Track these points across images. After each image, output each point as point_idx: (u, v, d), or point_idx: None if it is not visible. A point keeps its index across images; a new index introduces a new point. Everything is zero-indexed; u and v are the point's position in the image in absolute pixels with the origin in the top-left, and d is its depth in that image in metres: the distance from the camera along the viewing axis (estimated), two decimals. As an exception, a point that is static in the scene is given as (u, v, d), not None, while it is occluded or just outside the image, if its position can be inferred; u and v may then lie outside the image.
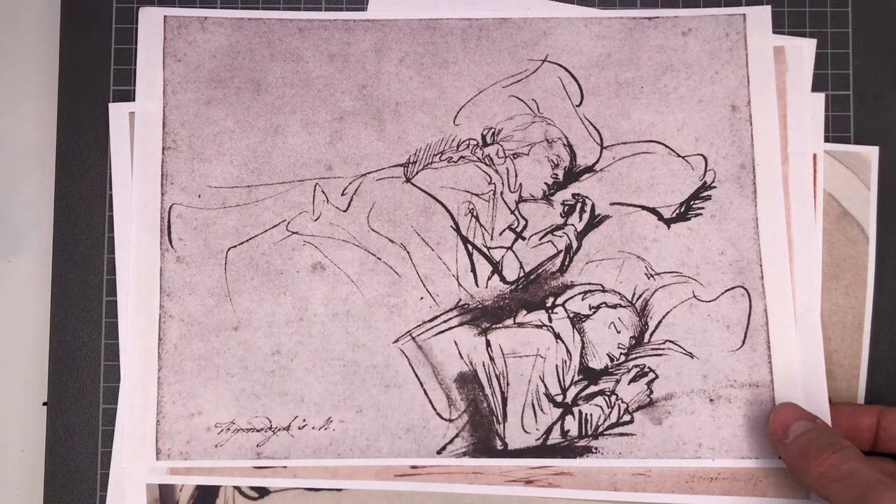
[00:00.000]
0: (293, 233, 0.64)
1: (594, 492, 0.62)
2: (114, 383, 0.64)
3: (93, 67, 0.66)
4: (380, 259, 0.64)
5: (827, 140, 0.65)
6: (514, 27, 0.65)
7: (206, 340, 0.63)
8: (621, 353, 0.63)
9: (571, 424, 0.62)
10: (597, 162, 0.64)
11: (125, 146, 0.65)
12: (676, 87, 0.65)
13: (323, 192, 0.64)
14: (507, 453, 0.62)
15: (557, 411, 0.63)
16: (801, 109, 0.65)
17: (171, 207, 0.64)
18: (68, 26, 0.66)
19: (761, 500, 0.62)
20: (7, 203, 0.67)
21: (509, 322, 0.63)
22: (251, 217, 0.64)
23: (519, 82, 0.65)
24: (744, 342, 0.63)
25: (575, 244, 0.64)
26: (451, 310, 0.63)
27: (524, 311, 0.63)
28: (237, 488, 0.63)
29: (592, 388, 0.63)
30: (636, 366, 0.63)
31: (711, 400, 0.62)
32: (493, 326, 0.63)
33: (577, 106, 0.65)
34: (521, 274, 0.64)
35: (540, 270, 0.64)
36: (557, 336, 0.63)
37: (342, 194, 0.64)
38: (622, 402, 0.63)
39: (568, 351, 0.63)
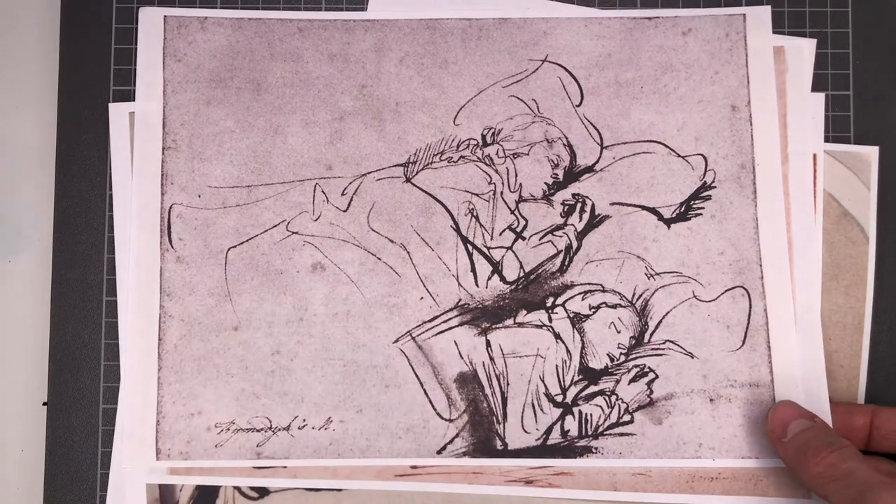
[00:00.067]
0: (293, 233, 0.64)
1: (594, 492, 0.62)
2: (114, 383, 0.64)
3: (93, 67, 0.66)
4: (380, 259, 0.64)
5: (827, 140, 0.65)
6: (514, 27, 0.65)
7: (206, 340, 0.63)
8: (621, 353, 0.63)
9: (571, 424, 0.62)
10: (597, 162, 0.64)
11: (125, 146, 0.65)
12: (676, 87, 0.65)
13: (323, 192, 0.64)
14: (507, 453, 0.62)
15: (557, 411, 0.63)
16: (801, 109, 0.65)
17: (171, 207, 0.64)
18: (68, 26, 0.66)
19: (762, 500, 0.62)
20: (7, 203, 0.67)
21: (509, 322, 0.63)
22: (251, 217, 0.64)
23: (519, 82, 0.65)
24: (744, 342, 0.63)
25: (575, 244, 0.64)
26: (451, 310, 0.63)
27: (524, 311, 0.63)
28: (237, 488, 0.63)
29: (592, 388, 0.63)
30: (636, 366, 0.63)
31: (711, 400, 0.62)
32: (493, 326, 0.63)
33: (577, 106, 0.65)
34: (521, 274, 0.64)
35: (540, 270, 0.64)
36: (557, 336, 0.63)
37: (342, 194, 0.64)
38: (622, 402, 0.63)
39: (568, 351, 0.63)
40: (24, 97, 0.68)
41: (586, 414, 0.63)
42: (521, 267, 0.64)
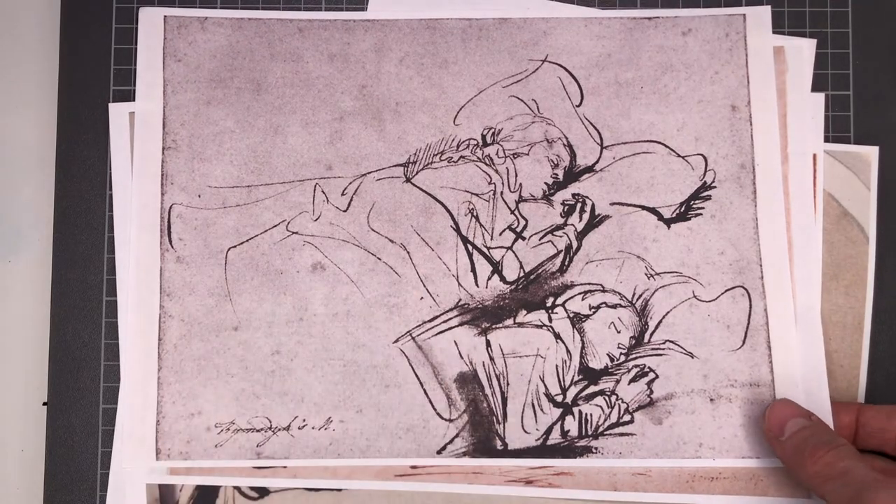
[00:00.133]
0: (293, 233, 0.64)
1: (594, 492, 0.62)
2: (114, 383, 0.64)
3: (93, 67, 0.66)
4: (380, 259, 0.64)
5: (827, 140, 0.65)
6: (514, 27, 0.65)
7: (206, 340, 0.63)
8: (621, 353, 0.63)
9: (571, 424, 0.62)
10: (597, 162, 0.64)
11: (125, 146, 0.65)
12: (676, 87, 0.65)
13: (323, 192, 0.64)
14: (507, 453, 0.62)
15: (557, 411, 0.63)
16: (801, 109, 0.65)
17: (171, 207, 0.64)
18: (68, 26, 0.66)
19: (762, 500, 0.62)
20: (7, 203, 0.67)
21: (509, 322, 0.63)
22: (251, 217, 0.64)
23: (519, 82, 0.65)
24: (744, 342, 0.63)
25: (575, 244, 0.64)
26: (451, 310, 0.63)
27: (524, 311, 0.63)
28: (237, 488, 0.63)
29: (592, 388, 0.63)
30: (636, 366, 0.63)
31: (712, 399, 0.62)
32: (493, 326, 0.63)
33: (577, 106, 0.65)
34: (521, 274, 0.64)
35: (540, 270, 0.64)
36: (557, 336, 0.63)
37: (342, 194, 0.64)
38: (622, 401, 0.63)
39: (568, 351, 0.63)
40: (24, 97, 0.68)
41: (586, 414, 0.63)
42: (521, 267, 0.64)
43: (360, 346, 0.63)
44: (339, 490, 0.63)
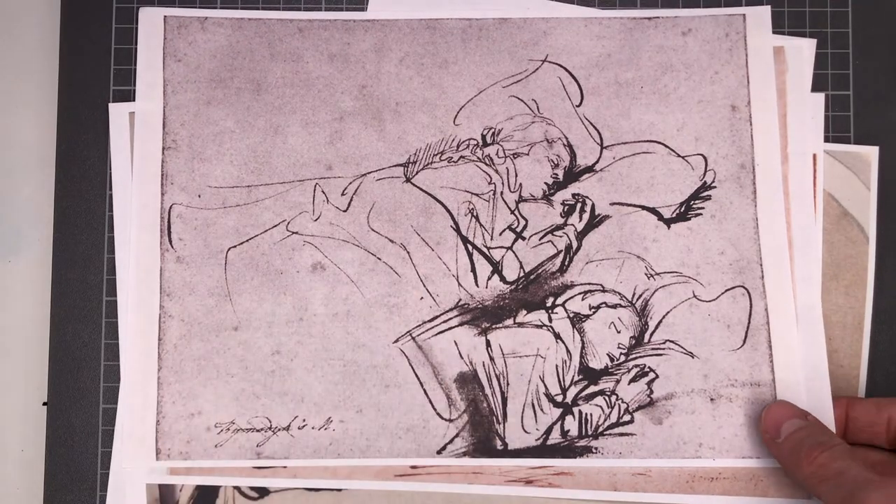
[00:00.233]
0: (293, 233, 0.64)
1: (594, 492, 0.62)
2: (114, 383, 0.64)
3: (93, 67, 0.66)
4: (380, 259, 0.64)
5: (827, 140, 0.65)
6: (514, 27, 0.65)
7: (206, 340, 0.63)
8: (621, 353, 0.63)
9: (571, 424, 0.62)
10: (597, 162, 0.64)
11: (125, 146, 0.65)
12: (676, 87, 0.65)
13: (323, 192, 0.64)
14: (507, 453, 0.62)
15: (557, 411, 0.63)
16: (801, 109, 0.65)
17: (171, 207, 0.64)
18: (68, 26, 0.66)
19: (762, 500, 0.62)
20: (7, 203, 0.67)
21: (509, 322, 0.63)
22: (251, 217, 0.64)
23: (519, 82, 0.65)
24: (744, 341, 0.63)
25: (575, 244, 0.64)
26: (451, 310, 0.63)
27: (524, 311, 0.63)
28: (237, 488, 0.63)
29: (592, 388, 0.63)
30: (636, 366, 0.63)
31: (712, 399, 0.62)
32: (493, 326, 0.63)
33: (577, 106, 0.65)
34: (521, 274, 0.64)
35: (540, 270, 0.64)
36: (557, 336, 0.63)
37: (342, 194, 0.64)
38: (622, 401, 0.63)
39: (568, 351, 0.63)
40: (24, 97, 0.68)
41: (586, 414, 0.63)
42: (521, 267, 0.64)
43: (360, 346, 0.63)
44: (339, 490, 0.63)
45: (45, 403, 0.65)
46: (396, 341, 0.63)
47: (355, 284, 0.63)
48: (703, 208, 0.64)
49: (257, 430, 0.62)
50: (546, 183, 0.64)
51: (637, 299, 0.63)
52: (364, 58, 0.65)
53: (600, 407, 0.63)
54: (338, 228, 0.64)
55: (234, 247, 0.64)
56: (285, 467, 0.62)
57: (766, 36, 0.65)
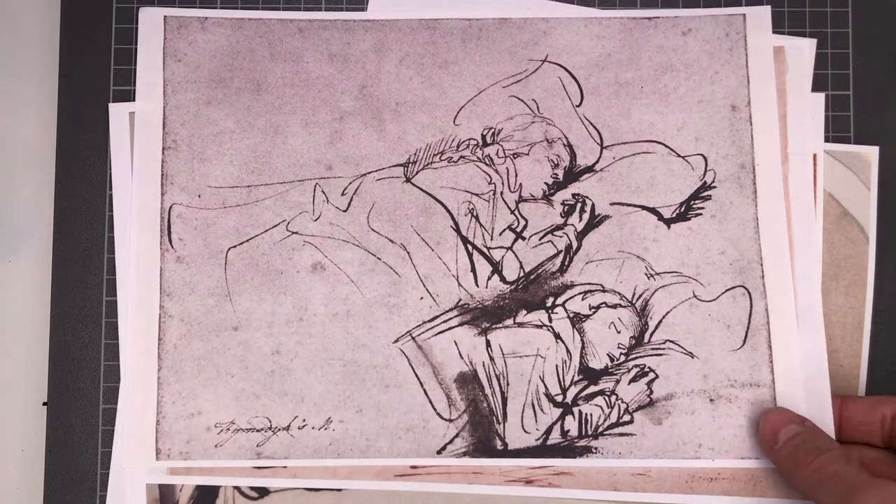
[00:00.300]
0: (293, 233, 0.64)
1: (594, 492, 0.62)
2: (114, 383, 0.64)
3: (93, 67, 0.66)
4: (380, 259, 0.64)
5: (827, 140, 0.65)
6: (514, 27, 0.65)
7: (206, 340, 0.63)
8: (621, 353, 0.63)
9: (571, 424, 0.62)
10: (597, 162, 0.64)
11: (125, 146, 0.65)
12: (676, 87, 0.65)
13: (323, 192, 0.64)
14: (507, 453, 0.62)
15: (557, 411, 0.63)
16: (801, 109, 0.64)
17: (171, 207, 0.64)
18: (68, 26, 0.67)
19: (761, 501, 0.62)
20: (7, 203, 0.67)
21: (509, 322, 0.63)
22: (251, 217, 0.64)
23: (519, 82, 0.65)
24: (744, 342, 0.63)
25: (575, 244, 0.64)
26: (451, 310, 0.63)
27: (524, 311, 0.63)
28: (237, 488, 0.63)
29: (592, 388, 0.63)
30: (636, 366, 0.63)
31: (712, 400, 0.62)
32: (493, 326, 0.63)
33: (577, 106, 0.65)
34: (521, 274, 0.64)
35: (540, 270, 0.64)
36: (557, 336, 0.63)
37: (342, 194, 0.64)
38: (622, 402, 0.63)
39: (568, 351, 0.63)
40: (24, 97, 0.68)
41: (586, 414, 0.63)
42: (521, 267, 0.64)
43: (360, 346, 0.63)
44: (339, 490, 0.63)
45: (45, 403, 0.65)
46: (396, 341, 0.63)
47: (355, 284, 0.63)
48: (703, 208, 0.64)
49: (257, 430, 0.62)
50: (546, 183, 0.64)
51: (637, 299, 0.63)
52: (364, 58, 0.65)
53: (600, 407, 0.63)
54: (338, 228, 0.64)
55: (234, 247, 0.64)
56: (285, 467, 0.62)
57: (767, 36, 0.65)
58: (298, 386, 0.63)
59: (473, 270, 0.64)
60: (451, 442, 0.62)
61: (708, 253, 0.63)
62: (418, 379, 0.63)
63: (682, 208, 0.64)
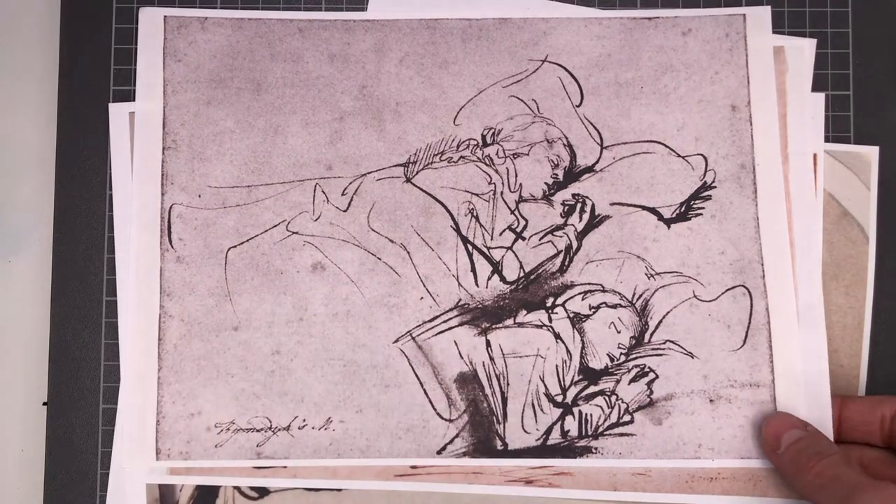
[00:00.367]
0: (293, 233, 0.64)
1: (594, 492, 0.62)
2: (114, 383, 0.64)
3: (93, 67, 0.66)
4: (380, 259, 0.64)
5: (827, 140, 0.65)
6: (514, 27, 0.65)
7: (206, 340, 0.63)
8: (621, 353, 0.63)
9: (571, 424, 0.62)
10: (597, 162, 0.64)
11: (125, 146, 0.65)
12: (676, 87, 0.65)
13: (323, 192, 0.64)
14: (507, 453, 0.62)
15: (557, 411, 0.63)
16: (801, 109, 0.64)
17: (171, 207, 0.64)
18: (68, 26, 0.66)
19: (761, 500, 0.62)
20: (7, 203, 0.67)
21: (509, 322, 0.63)
22: (251, 217, 0.64)
23: (519, 82, 0.65)
24: (745, 342, 0.63)
25: (575, 244, 0.64)
26: (451, 310, 0.63)
27: (524, 311, 0.63)
28: (237, 488, 0.63)
29: (592, 389, 0.63)
30: (636, 366, 0.63)
31: (711, 400, 0.62)
32: (493, 326, 0.63)
33: (577, 106, 0.65)
34: (521, 274, 0.64)
35: (540, 270, 0.64)
36: (557, 336, 0.63)
37: (342, 194, 0.64)
38: (622, 402, 0.63)
39: (568, 351, 0.63)
40: (24, 97, 0.68)
41: (586, 414, 0.63)
42: (521, 267, 0.64)
43: (360, 346, 0.63)
44: (339, 490, 0.63)
45: (45, 403, 0.65)
46: (396, 341, 0.63)
47: (355, 284, 0.63)
48: (703, 208, 0.64)
49: (257, 431, 0.62)
50: (546, 183, 0.64)
51: (637, 299, 0.63)
52: (364, 58, 0.65)
53: (600, 407, 0.63)
54: (338, 228, 0.64)
55: (235, 247, 0.64)
56: (285, 467, 0.62)
57: (767, 36, 0.65)
58: (298, 386, 0.63)
59: (473, 270, 0.64)
60: (451, 442, 0.62)
61: (708, 253, 0.63)
62: (418, 379, 0.63)
63: (683, 208, 0.64)
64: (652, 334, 0.63)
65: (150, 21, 0.66)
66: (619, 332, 0.63)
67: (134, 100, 0.65)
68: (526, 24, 0.65)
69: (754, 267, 0.63)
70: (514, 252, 0.64)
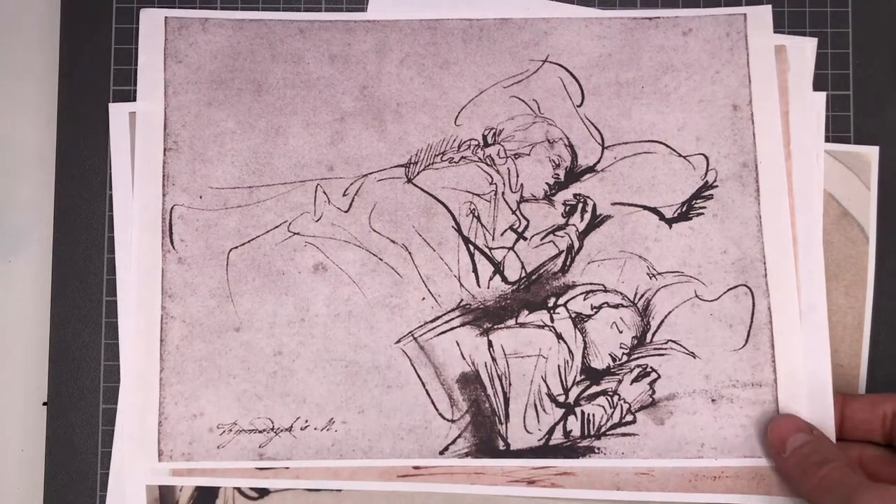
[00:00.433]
0: (295, 233, 0.64)
1: (597, 491, 0.62)
2: (114, 383, 0.64)
3: (93, 67, 0.66)
4: (381, 260, 0.64)
5: (827, 140, 0.65)
6: (515, 27, 0.65)
7: (208, 341, 0.63)
8: (623, 353, 0.63)
9: (574, 425, 0.62)
10: (598, 162, 0.64)
11: (125, 146, 0.65)
12: (677, 86, 0.65)
13: (324, 192, 0.64)
14: (509, 454, 0.62)
15: (560, 411, 0.63)
16: (802, 107, 0.64)
17: (172, 208, 0.64)
18: (68, 26, 0.66)
19: (765, 499, 0.62)
20: (7, 203, 0.67)
21: (511, 322, 0.63)
22: (253, 218, 0.64)
23: (520, 83, 0.65)
24: (747, 341, 0.63)
25: (576, 244, 0.64)
26: (452, 310, 0.63)
27: (526, 312, 0.63)
28: (237, 488, 0.63)
29: (595, 389, 0.63)
30: (638, 366, 0.63)
31: (713, 400, 0.62)
32: (495, 327, 0.63)
33: (578, 106, 0.65)
34: (523, 274, 0.64)
35: (541, 271, 0.64)
36: (559, 336, 0.63)
37: (343, 195, 0.64)
38: (624, 402, 0.63)
39: (570, 351, 0.63)
40: (24, 97, 0.68)
41: (589, 414, 0.63)
42: (523, 267, 0.64)
43: (362, 346, 0.63)
44: (339, 490, 0.63)
45: (45, 403, 0.65)
46: (398, 342, 0.63)
47: (357, 285, 0.63)
48: (704, 207, 0.64)
49: (259, 432, 0.62)
50: (547, 183, 0.64)
51: (639, 299, 0.63)
52: (365, 58, 0.65)
53: (602, 407, 0.63)
54: (339, 229, 0.64)
55: (236, 248, 0.64)
56: (288, 468, 0.62)
57: (768, 35, 0.65)
58: (300, 387, 0.63)
59: (475, 271, 0.64)
60: (453, 442, 0.62)
61: (710, 252, 0.63)
62: (420, 379, 0.63)
63: (684, 208, 0.64)
64: (654, 334, 0.63)
65: (150, 22, 0.66)
66: (620, 332, 0.63)
67: (134, 100, 0.65)
68: (527, 25, 0.65)
69: (756, 266, 0.63)
70: (515, 252, 0.64)
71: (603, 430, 0.62)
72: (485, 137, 0.65)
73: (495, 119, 0.65)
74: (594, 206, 0.64)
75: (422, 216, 0.64)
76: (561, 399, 0.63)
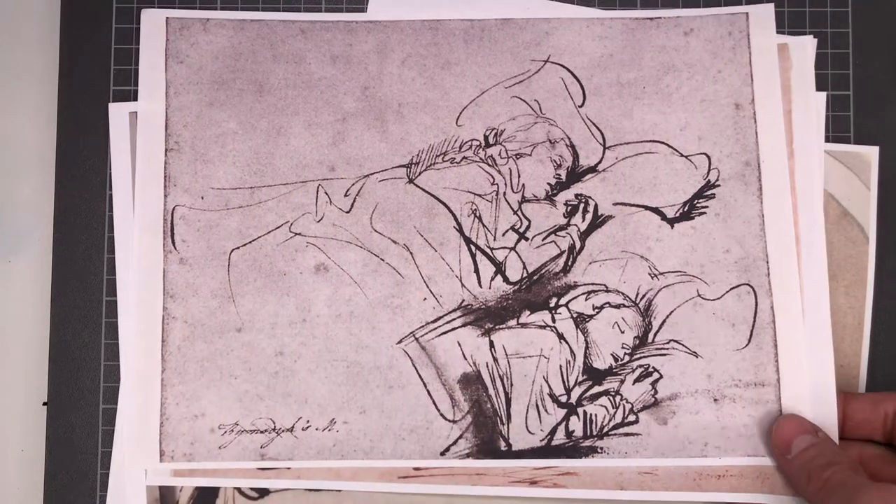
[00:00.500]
0: (296, 234, 0.64)
1: (600, 491, 0.62)
2: (114, 383, 0.64)
3: (93, 67, 0.66)
4: (383, 260, 0.64)
5: (827, 140, 0.65)
6: (516, 28, 0.65)
7: (210, 342, 0.63)
8: (625, 354, 0.63)
9: (576, 425, 0.62)
10: (599, 162, 0.64)
11: (125, 146, 0.65)
12: (679, 86, 0.65)
13: (326, 193, 0.64)
14: (511, 454, 0.62)
15: (562, 412, 0.63)
16: (805, 106, 0.65)
17: (174, 209, 0.64)
18: (68, 26, 0.66)
19: (769, 497, 0.62)
20: (7, 203, 0.67)
21: (513, 322, 0.63)
22: (254, 218, 0.64)
23: (521, 83, 0.65)
24: (749, 340, 0.63)
25: (578, 244, 0.64)
26: (454, 310, 0.63)
27: (527, 312, 0.63)
28: (237, 488, 0.63)
29: (597, 389, 0.63)
30: (640, 366, 0.63)
31: (716, 400, 0.62)
32: (497, 327, 0.63)
33: (580, 106, 0.65)
34: (525, 274, 0.64)
35: (543, 271, 0.64)
36: (561, 336, 0.63)
37: (345, 195, 0.64)
38: (627, 402, 0.63)
39: (572, 351, 0.63)
40: (24, 97, 0.68)
41: (591, 414, 0.63)
42: (525, 267, 0.64)
43: (364, 347, 0.63)
44: (339, 490, 0.63)
45: (45, 403, 0.65)
46: (400, 342, 0.63)
47: (358, 285, 0.63)
48: (707, 207, 0.64)
49: (261, 432, 0.62)
50: (549, 183, 0.64)
51: (641, 299, 0.63)
52: (366, 59, 0.65)
53: (605, 407, 0.63)
54: (341, 229, 0.64)
55: (238, 248, 0.64)
56: (289, 468, 0.62)
57: (770, 34, 0.65)
58: (302, 387, 0.63)
59: (476, 271, 0.64)
60: (454, 443, 0.62)
61: (712, 251, 0.63)
62: (422, 380, 0.63)
63: (686, 207, 0.64)
64: (656, 334, 0.63)
65: (151, 22, 0.66)
66: (622, 332, 0.63)
67: (134, 100, 0.65)
68: (528, 25, 0.66)
69: (759, 265, 0.63)
70: (517, 252, 0.64)
71: (605, 430, 0.62)
72: (486, 138, 0.65)
73: (497, 119, 0.65)
74: (596, 206, 0.64)
75: (423, 216, 0.64)
76: (563, 399, 0.63)
